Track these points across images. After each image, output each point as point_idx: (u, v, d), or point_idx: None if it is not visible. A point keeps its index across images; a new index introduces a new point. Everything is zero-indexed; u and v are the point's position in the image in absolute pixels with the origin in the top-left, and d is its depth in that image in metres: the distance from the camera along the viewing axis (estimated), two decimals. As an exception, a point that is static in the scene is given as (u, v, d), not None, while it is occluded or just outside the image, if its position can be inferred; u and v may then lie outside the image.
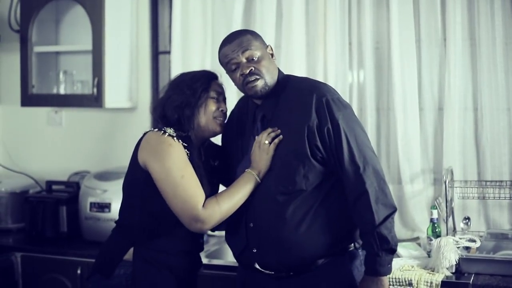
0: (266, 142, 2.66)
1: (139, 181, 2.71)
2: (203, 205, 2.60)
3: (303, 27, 3.91)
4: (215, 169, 2.93)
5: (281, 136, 2.65)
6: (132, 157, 2.75)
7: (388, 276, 2.65)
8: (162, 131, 2.68)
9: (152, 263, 2.71)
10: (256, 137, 2.71)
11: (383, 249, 2.58)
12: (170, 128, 2.70)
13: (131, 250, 2.73)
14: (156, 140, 2.68)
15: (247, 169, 2.70)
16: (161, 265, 2.72)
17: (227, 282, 3.34)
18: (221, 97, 2.83)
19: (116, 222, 2.85)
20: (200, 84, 2.77)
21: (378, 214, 2.56)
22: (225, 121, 2.85)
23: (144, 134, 2.76)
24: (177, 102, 2.74)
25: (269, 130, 2.67)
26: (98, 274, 2.75)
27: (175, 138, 2.66)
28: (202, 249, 2.90)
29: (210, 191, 2.78)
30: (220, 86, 2.85)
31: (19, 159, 4.66)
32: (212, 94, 2.79)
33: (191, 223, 2.61)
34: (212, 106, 2.77)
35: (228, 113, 2.89)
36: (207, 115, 2.76)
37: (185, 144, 2.68)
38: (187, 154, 2.67)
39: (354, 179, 2.59)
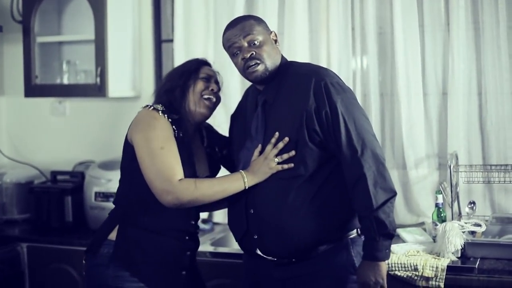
0: (276, 160, 2.66)
1: (129, 156, 2.78)
2: (179, 180, 2.63)
3: (305, 13, 3.90)
4: (224, 158, 3.00)
5: (291, 164, 2.64)
6: (125, 135, 2.83)
7: (387, 261, 2.65)
8: (149, 106, 2.77)
9: (135, 240, 2.75)
10: (268, 146, 2.69)
11: (380, 233, 2.56)
12: (160, 105, 2.78)
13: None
14: (142, 114, 2.77)
15: (241, 170, 2.73)
16: (144, 243, 2.75)
17: (233, 270, 3.34)
18: (212, 79, 2.87)
19: (113, 202, 2.93)
20: (188, 67, 2.86)
21: (376, 198, 2.55)
22: (216, 105, 2.88)
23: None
24: (168, 86, 2.82)
25: (280, 144, 2.65)
26: (88, 253, 2.82)
27: (160, 112, 2.73)
28: (194, 230, 2.89)
29: (207, 176, 2.87)
30: (211, 70, 2.90)
31: (24, 150, 4.66)
32: (202, 75, 2.84)
33: (162, 194, 2.63)
34: (200, 85, 2.82)
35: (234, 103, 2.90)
36: (195, 95, 2.81)
37: (172, 121, 2.73)
38: (174, 131, 2.72)
39: (352, 163, 2.58)
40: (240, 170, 2.72)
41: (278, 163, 2.65)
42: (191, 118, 2.82)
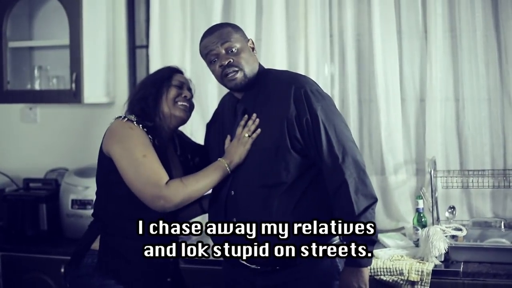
0: (246, 135, 2.68)
1: (105, 168, 2.76)
2: (166, 183, 2.62)
3: (283, 19, 3.91)
4: (196, 166, 2.97)
5: (259, 130, 2.66)
6: (100, 148, 2.80)
7: (369, 267, 2.65)
8: (123, 117, 2.76)
9: (118, 250, 2.73)
10: (238, 128, 2.71)
11: (362, 240, 2.56)
12: (133, 115, 2.77)
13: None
14: (117, 125, 2.76)
15: (219, 158, 2.73)
16: (127, 251, 2.73)
17: (213, 276, 3.31)
18: (184, 86, 2.89)
19: (92, 214, 2.90)
20: (161, 75, 2.88)
21: (358, 204, 2.55)
22: (191, 111, 2.89)
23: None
24: (141, 94, 2.83)
25: (250, 122, 2.68)
26: (71, 264, 2.79)
27: (135, 122, 2.73)
28: (175, 237, 2.88)
29: None
30: (183, 77, 2.92)
31: (-7, 157, 4.58)
32: (174, 82, 2.86)
33: (153, 200, 2.61)
34: (173, 92, 2.84)
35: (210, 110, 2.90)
36: (169, 102, 2.82)
37: (147, 130, 2.73)
38: (150, 139, 2.72)
39: (333, 170, 2.58)
40: (218, 158, 2.73)
41: (250, 135, 2.68)
42: (167, 124, 2.83)
